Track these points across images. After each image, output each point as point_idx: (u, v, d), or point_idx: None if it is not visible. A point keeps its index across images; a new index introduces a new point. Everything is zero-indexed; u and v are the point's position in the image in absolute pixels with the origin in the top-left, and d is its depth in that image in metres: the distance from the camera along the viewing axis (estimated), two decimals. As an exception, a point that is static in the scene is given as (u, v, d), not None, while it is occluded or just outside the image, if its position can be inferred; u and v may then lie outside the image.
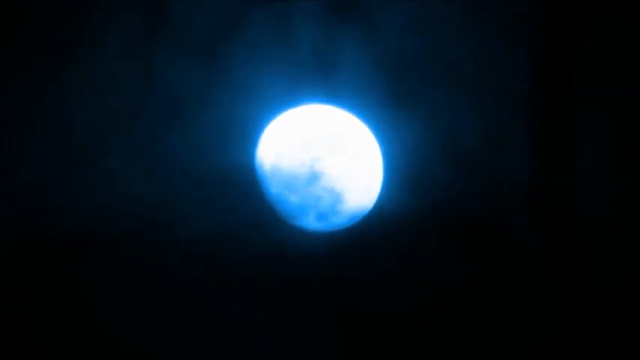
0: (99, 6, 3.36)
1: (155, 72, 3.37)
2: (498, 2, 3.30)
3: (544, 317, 3.29)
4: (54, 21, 3.35)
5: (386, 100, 3.32)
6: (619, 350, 3.24)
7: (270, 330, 3.34)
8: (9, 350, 3.29)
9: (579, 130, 3.29)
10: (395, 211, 3.32)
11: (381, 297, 3.33)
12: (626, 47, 3.27)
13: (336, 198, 3.24)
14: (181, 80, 3.36)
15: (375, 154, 3.29)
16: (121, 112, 3.37)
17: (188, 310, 3.34)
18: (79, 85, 3.37)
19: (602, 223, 3.28)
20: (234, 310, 3.35)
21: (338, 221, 3.29)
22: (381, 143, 3.29)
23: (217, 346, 3.34)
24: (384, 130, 3.30)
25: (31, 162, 3.35)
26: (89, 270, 3.33)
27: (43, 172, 3.35)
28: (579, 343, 3.27)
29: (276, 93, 3.32)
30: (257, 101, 3.33)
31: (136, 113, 3.37)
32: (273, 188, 3.27)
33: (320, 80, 3.32)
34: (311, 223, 3.29)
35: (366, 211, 3.30)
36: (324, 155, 3.22)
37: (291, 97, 3.31)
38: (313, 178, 3.22)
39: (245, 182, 3.31)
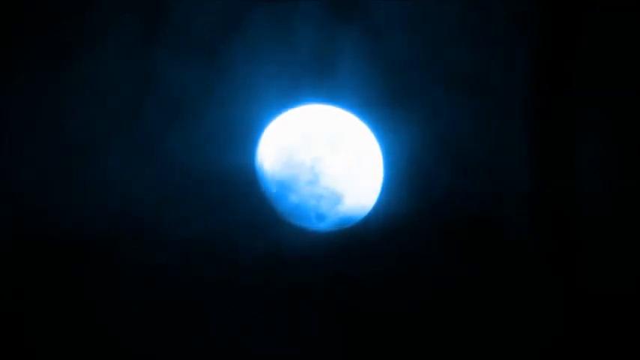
0: (99, 6, 3.36)
1: (155, 72, 3.37)
2: (498, 2, 3.30)
3: (544, 317, 3.29)
4: (54, 21, 3.35)
5: (386, 100, 3.32)
6: (619, 350, 3.24)
7: (270, 330, 3.34)
8: (9, 350, 3.29)
9: (579, 130, 3.29)
10: (395, 211, 3.32)
11: (381, 297, 3.33)
12: (626, 47, 3.27)
13: (336, 198, 3.24)
14: (181, 80, 3.36)
15: (375, 154, 3.28)
16: (121, 112, 3.37)
17: (188, 310, 3.34)
18: (79, 85, 3.37)
19: (602, 223, 3.27)
20: (234, 310, 3.35)
21: (338, 221, 3.29)
22: (381, 143, 3.29)
23: (217, 346, 3.34)
24: (384, 130, 3.30)
25: (31, 162, 3.35)
26: (89, 270, 3.33)
27: (43, 172, 3.35)
28: (579, 343, 3.27)
29: (276, 93, 3.32)
30: (257, 101, 3.33)
31: (136, 113, 3.37)
32: (273, 188, 3.27)
33: (320, 80, 3.32)
34: (311, 223, 3.29)
35: (366, 211, 3.30)
36: (324, 155, 3.22)
37: (291, 97, 3.31)
38: (313, 178, 3.22)
39: (245, 182, 3.31)
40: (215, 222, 3.35)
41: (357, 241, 3.33)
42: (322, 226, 3.30)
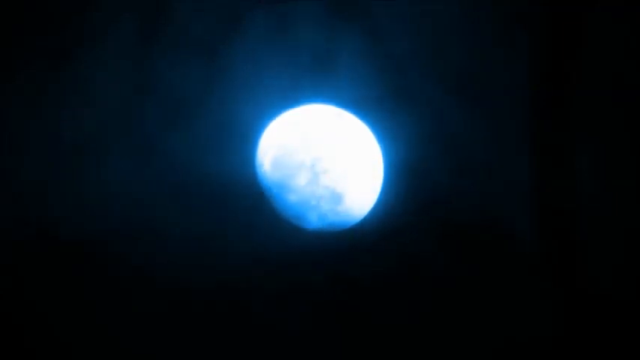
0: (99, 6, 3.36)
1: (155, 72, 3.37)
2: (498, 2, 3.30)
3: (544, 317, 3.29)
4: (54, 21, 3.35)
5: (386, 100, 3.32)
6: (619, 350, 3.24)
7: (270, 330, 3.34)
8: (9, 350, 3.29)
9: (579, 130, 3.30)
10: (395, 211, 3.32)
11: (381, 297, 3.33)
12: (626, 47, 3.27)
13: (336, 198, 3.24)
14: (181, 80, 3.36)
15: (375, 154, 3.29)
16: (121, 112, 3.37)
17: (188, 310, 3.34)
18: (79, 85, 3.37)
19: (602, 223, 3.28)
20: (233, 310, 3.35)
21: (338, 221, 3.29)
22: (381, 143, 3.29)
23: (217, 346, 3.34)
24: (384, 130, 3.30)
25: (31, 162, 3.35)
26: (89, 270, 3.33)
27: (43, 172, 3.35)
28: (579, 343, 3.27)
29: (276, 93, 3.32)
30: (257, 101, 3.33)
31: (135, 113, 3.37)
32: (273, 188, 3.27)
33: (320, 80, 3.32)
34: (311, 223, 3.29)
35: (366, 211, 3.30)
36: (324, 155, 3.22)
37: (291, 97, 3.31)
38: (313, 178, 3.22)
39: (245, 182, 3.31)
40: (215, 222, 3.35)
41: (358, 241, 3.33)
42: (322, 226, 3.30)
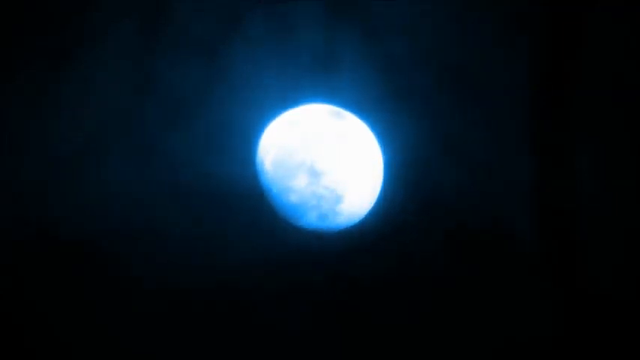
0: (99, 6, 3.36)
1: (155, 72, 3.37)
2: (498, 2, 3.30)
3: (544, 317, 3.29)
4: (54, 21, 3.35)
5: (386, 100, 3.32)
6: (619, 350, 3.24)
7: (270, 330, 3.34)
8: (9, 350, 3.29)
9: (579, 130, 3.30)
10: (395, 211, 3.32)
11: (381, 297, 3.33)
12: (626, 47, 3.27)
13: (337, 198, 3.24)
14: (181, 80, 3.36)
15: (375, 154, 3.29)
16: (121, 113, 3.37)
17: (188, 310, 3.34)
18: (79, 85, 3.37)
19: (602, 223, 3.28)
20: (233, 310, 3.35)
21: (338, 221, 3.29)
22: (381, 143, 3.29)
23: (217, 346, 3.34)
24: (384, 130, 3.30)
25: (31, 162, 3.35)
26: (89, 270, 3.33)
27: (43, 172, 3.35)
28: (579, 343, 3.27)
29: (276, 93, 3.32)
30: (257, 101, 3.33)
31: (135, 113, 3.37)
32: (273, 188, 3.27)
33: (320, 80, 3.32)
34: (311, 223, 3.29)
35: (366, 211, 3.30)
36: (324, 155, 3.22)
37: (291, 97, 3.31)
38: (313, 178, 3.22)
39: (245, 182, 3.31)
40: (215, 222, 3.35)
41: (357, 241, 3.33)
42: (322, 226, 3.30)
